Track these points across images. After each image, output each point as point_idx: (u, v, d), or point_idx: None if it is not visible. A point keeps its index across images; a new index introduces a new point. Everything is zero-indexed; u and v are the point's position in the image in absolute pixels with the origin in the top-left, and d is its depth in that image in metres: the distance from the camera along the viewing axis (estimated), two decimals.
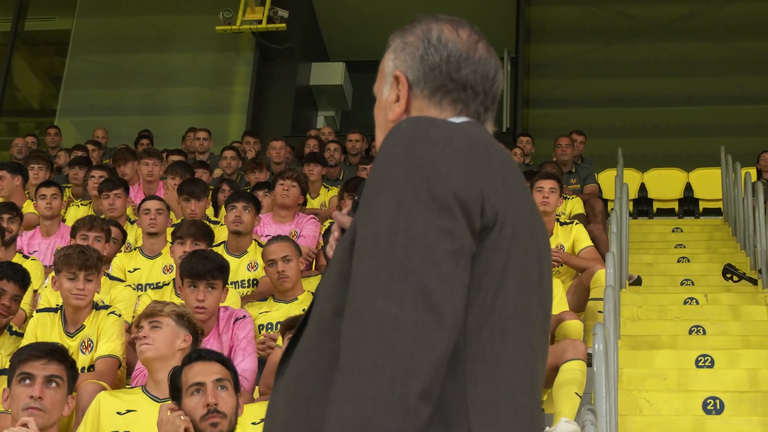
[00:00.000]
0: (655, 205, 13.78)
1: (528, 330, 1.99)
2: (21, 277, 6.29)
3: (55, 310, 6.10)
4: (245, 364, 5.90)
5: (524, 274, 2.00)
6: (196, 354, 4.59)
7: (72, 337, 5.95)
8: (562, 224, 8.47)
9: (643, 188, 13.84)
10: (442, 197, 1.88)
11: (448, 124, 2.02)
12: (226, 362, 4.58)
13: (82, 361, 5.82)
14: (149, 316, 5.17)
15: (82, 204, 9.99)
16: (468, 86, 2.22)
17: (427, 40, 2.23)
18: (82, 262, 5.82)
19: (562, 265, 8.10)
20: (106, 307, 6.15)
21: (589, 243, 8.43)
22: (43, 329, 5.97)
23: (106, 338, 5.86)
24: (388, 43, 2.29)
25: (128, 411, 4.93)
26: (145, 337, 5.12)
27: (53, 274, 6.08)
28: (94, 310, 6.01)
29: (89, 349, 5.88)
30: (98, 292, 6.13)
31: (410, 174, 1.90)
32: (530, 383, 1.97)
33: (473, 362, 1.90)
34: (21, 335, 6.17)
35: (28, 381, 4.34)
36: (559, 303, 7.11)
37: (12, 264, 6.48)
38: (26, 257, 7.88)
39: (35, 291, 7.30)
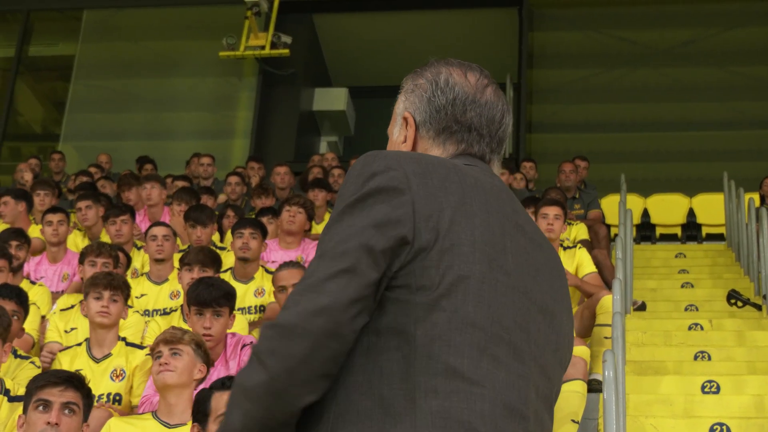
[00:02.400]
0: (658, 231, 13.79)
1: (492, 341, 2.05)
2: (17, 295, 6.35)
3: (79, 344, 6.16)
4: None
5: (488, 288, 2.06)
6: (231, 382, 4.63)
7: (98, 362, 6.00)
8: (565, 249, 8.49)
9: (645, 213, 13.84)
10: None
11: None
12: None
13: (109, 386, 5.89)
14: (170, 342, 5.20)
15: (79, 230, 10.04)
16: (473, 128, 2.32)
17: (435, 83, 2.34)
18: (108, 282, 5.98)
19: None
20: (140, 346, 6.21)
21: (593, 268, 8.44)
22: (71, 361, 6.05)
23: (144, 382, 5.96)
24: (401, 85, 2.40)
25: None
26: (166, 363, 5.13)
27: (81, 298, 6.15)
28: (124, 344, 6.08)
29: (120, 378, 5.94)
30: (124, 318, 6.18)
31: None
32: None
33: (422, 375, 2.00)
34: (25, 358, 6.20)
35: (45, 407, 4.37)
36: None
37: (7, 285, 6.54)
38: (33, 283, 7.91)
39: (43, 317, 7.33)
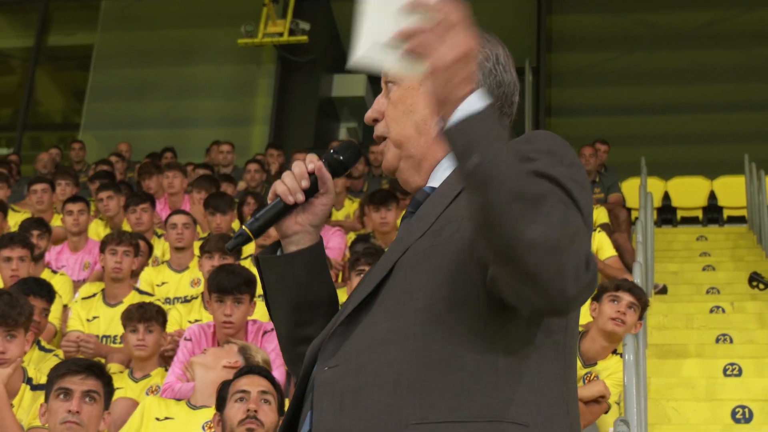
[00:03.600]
0: (679, 214, 13.75)
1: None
2: (47, 291, 6.40)
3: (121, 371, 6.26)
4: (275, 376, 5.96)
5: None
6: (247, 369, 4.78)
7: (137, 382, 6.08)
8: None
9: (666, 197, 13.80)
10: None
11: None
12: (273, 381, 4.68)
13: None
14: (243, 352, 5.33)
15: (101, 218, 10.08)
16: (512, 115, 2.31)
17: (497, 57, 2.30)
18: (141, 315, 6.02)
19: None
20: None
21: (613, 252, 8.43)
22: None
23: None
24: None
25: (166, 418, 5.01)
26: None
27: (103, 287, 6.21)
28: (164, 370, 6.15)
29: (155, 393, 6.01)
30: (162, 344, 6.25)
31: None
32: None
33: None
34: (49, 351, 6.24)
35: (65, 396, 4.39)
36: (585, 313, 7.13)
37: (37, 279, 6.59)
38: (54, 272, 7.94)
39: (65, 306, 7.36)
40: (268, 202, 2.29)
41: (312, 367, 2.11)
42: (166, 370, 6.15)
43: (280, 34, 15.74)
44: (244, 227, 2.23)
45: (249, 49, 16.35)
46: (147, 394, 5.96)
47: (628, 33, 16.42)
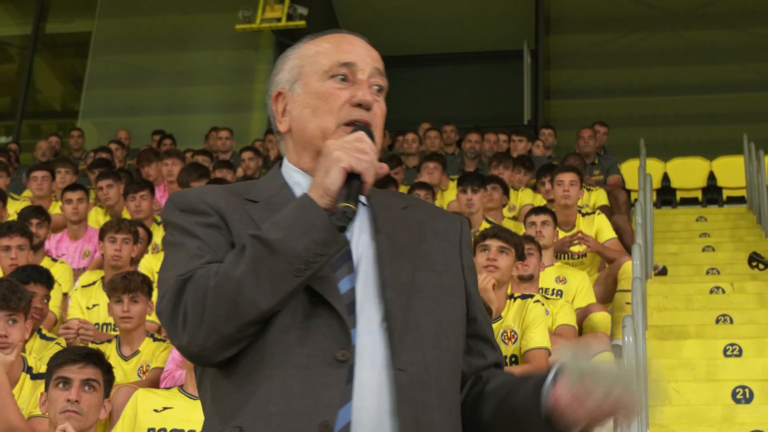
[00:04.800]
0: (679, 195, 13.75)
1: None
2: (47, 278, 6.40)
3: (109, 340, 6.20)
4: None
5: None
6: None
7: (127, 360, 6.05)
8: (584, 215, 8.47)
9: (666, 178, 13.79)
10: None
11: None
12: None
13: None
14: None
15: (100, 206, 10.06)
16: None
17: None
18: (125, 286, 5.95)
19: (585, 255, 8.09)
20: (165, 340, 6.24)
21: (613, 234, 8.42)
22: None
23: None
24: None
25: (165, 408, 4.99)
26: None
27: (103, 274, 6.17)
28: (152, 340, 6.10)
29: (146, 374, 5.97)
30: (149, 314, 6.20)
31: None
32: None
33: None
34: (50, 339, 6.23)
35: (65, 385, 4.40)
36: (586, 295, 7.13)
37: (35, 266, 6.57)
38: (54, 260, 7.93)
39: (65, 294, 7.36)
40: (339, 172, 2.08)
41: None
42: (153, 338, 6.13)
43: (278, 20, 15.69)
44: (347, 204, 2.05)
45: (247, 35, 16.31)
46: (139, 375, 5.95)
47: (627, 14, 16.40)
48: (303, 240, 2.02)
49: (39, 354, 5.91)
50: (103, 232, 7.35)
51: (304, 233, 2.02)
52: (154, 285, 6.36)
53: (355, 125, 2.22)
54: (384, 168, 2.14)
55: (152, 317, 6.44)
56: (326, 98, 2.25)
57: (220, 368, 2.12)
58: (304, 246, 2.02)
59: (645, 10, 16.37)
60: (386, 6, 16.93)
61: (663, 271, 9.47)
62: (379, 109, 2.29)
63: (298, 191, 2.25)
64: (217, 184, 2.37)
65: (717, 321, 8.13)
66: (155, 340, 6.17)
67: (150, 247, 8.40)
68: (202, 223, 2.18)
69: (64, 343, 6.22)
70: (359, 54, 2.30)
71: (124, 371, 5.96)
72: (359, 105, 2.24)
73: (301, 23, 15.61)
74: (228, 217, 2.19)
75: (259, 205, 2.23)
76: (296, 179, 2.30)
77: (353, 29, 2.41)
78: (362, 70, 2.28)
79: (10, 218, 8.63)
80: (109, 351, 6.07)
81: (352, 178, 2.08)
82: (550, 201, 8.88)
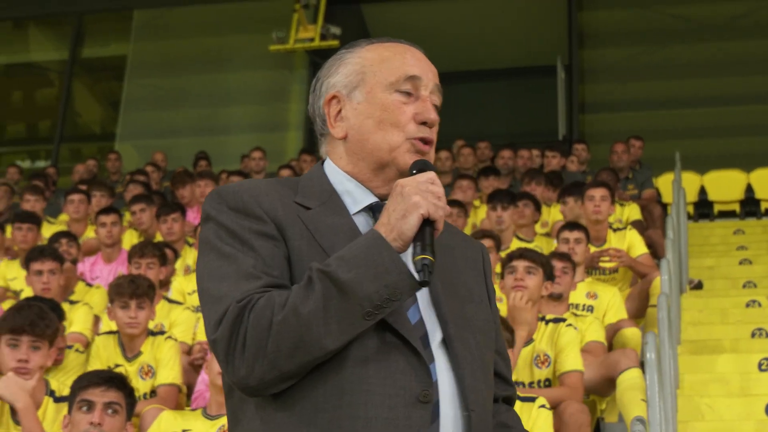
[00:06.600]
0: (716, 207, 13.64)
1: None
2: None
3: (113, 332, 6.20)
4: None
5: None
6: None
7: (130, 361, 6.05)
8: (615, 230, 8.41)
9: (703, 190, 13.69)
10: None
11: None
12: None
13: (142, 387, 5.92)
14: None
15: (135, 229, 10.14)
16: None
17: None
18: (132, 290, 5.94)
19: (617, 271, 8.05)
20: (162, 332, 6.24)
21: (645, 249, 8.36)
22: (106, 350, 6.09)
23: (165, 366, 5.94)
24: None
25: (184, 431, 5.01)
26: None
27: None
28: (150, 336, 6.10)
29: (149, 375, 5.98)
30: (152, 319, 6.21)
31: None
32: None
33: None
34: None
35: (88, 408, 4.42)
36: (617, 311, 7.08)
37: (42, 246, 6.75)
38: (89, 285, 8.00)
39: (97, 316, 7.41)
40: (417, 219, 2.01)
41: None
42: (151, 334, 6.12)
43: (312, 39, 15.78)
44: (426, 256, 1.97)
45: (281, 55, 16.40)
46: (140, 376, 5.95)
47: (660, 26, 16.33)
48: (375, 284, 1.95)
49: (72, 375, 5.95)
50: (130, 257, 7.42)
51: (376, 276, 1.96)
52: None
53: (419, 164, 2.18)
54: (448, 210, 2.09)
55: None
56: (392, 111, 2.21)
57: (274, 397, 2.04)
58: (376, 289, 1.96)
59: (678, 23, 16.30)
60: (419, 24, 16.96)
61: (698, 285, 9.40)
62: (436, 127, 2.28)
63: (348, 200, 2.21)
64: (259, 180, 2.25)
65: (753, 335, 8.05)
66: (153, 334, 6.13)
67: (182, 268, 8.44)
68: (257, 231, 2.09)
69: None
70: (423, 69, 2.28)
71: (127, 372, 5.98)
72: (424, 123, 2.22)
73: (335, 42, 15.67)
74: (286, 230, 2.11)
75: (313, 213, 2.16)
76: (347, 187, 2.23)
77: None
78: (425, 85, 2.26)
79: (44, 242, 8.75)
80: (114, 350, 6.08)
81: (425, 224, 2.02)
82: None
